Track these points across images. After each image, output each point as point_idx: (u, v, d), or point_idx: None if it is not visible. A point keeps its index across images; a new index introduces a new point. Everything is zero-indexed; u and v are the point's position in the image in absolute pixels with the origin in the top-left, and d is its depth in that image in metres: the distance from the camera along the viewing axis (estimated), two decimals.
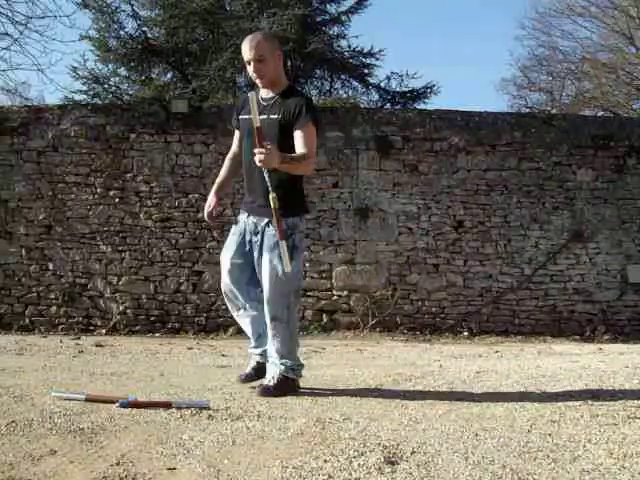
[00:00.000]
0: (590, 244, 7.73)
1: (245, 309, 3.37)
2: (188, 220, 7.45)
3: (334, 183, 7.64)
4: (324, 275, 7.55)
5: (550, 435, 2.45)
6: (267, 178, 3.07)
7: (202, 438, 2.34)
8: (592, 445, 2.32)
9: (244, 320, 3.42)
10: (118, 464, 2.04)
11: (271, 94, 3.25)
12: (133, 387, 3.35)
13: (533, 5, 32.22)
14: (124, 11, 10.88)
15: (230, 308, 3.46)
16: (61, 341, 6.18)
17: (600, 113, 15.31)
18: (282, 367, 3.21)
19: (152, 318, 7.42)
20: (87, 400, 2.89)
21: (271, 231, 3.15)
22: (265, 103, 3.24)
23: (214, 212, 3.45)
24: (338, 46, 11.50)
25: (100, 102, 9.75)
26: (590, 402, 3.10)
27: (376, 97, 11.48)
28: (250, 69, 3.22)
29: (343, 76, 11.48)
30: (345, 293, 7.55)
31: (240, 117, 3.34)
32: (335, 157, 7.64)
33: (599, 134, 7.80)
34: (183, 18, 10.54)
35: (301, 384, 3.39)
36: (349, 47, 11.47)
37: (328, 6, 11.66)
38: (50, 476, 1.94)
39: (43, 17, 10.05)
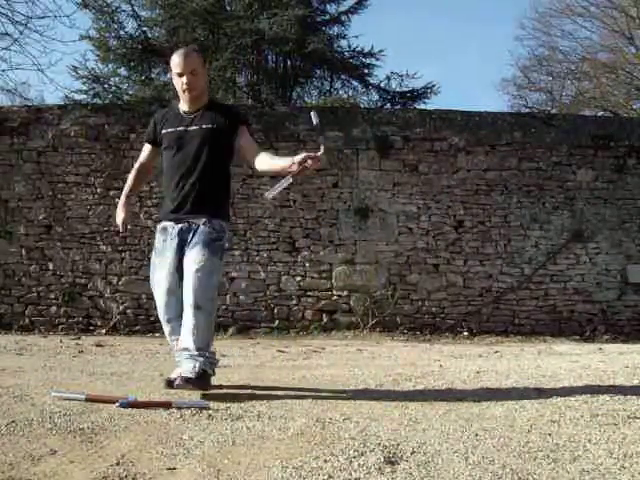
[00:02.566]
0: (590, 244, 7.73)
1: (178, 319, 3.25)
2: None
3: (334, 183, 7.64)
4: (324, 275, 7.55)
5: (550, 435, 2.45)
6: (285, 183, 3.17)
7: (202, 438, 2.34)
8: (592, 445, 2.32)
9: (177, 328, 3.25)
10: (118, 464, 2.04)
11: (194, 107, 3.35)
12: (133, 387, 3.34)
13: (533, 5, 32.23)
14: (124, 11, 10.89)
15: (162, 316, 3.33)
16: (61, 341, 6.17)
17: (600, 113, 15.31)
18: (202, 359, 3.08)
19: (152, 318, 7.41)
20: (87, 400, 2.89)
21: (206, 228, 3.21)
22: (192, 116, 3.34)
23: (127, 223, 3.51)
24: (338, 46, 11.52)
25: (100, 102, 9.75)
26: (590, 402, 3.10)
27: (376, 97, 11.50)
28: (181, 81, 3.31)
29: (343, 76, 11.50)
30: (345, 293, 7.55)
31: (164, 132, 3.38)
32: (335, 157, 7.64)
33: (599, 134, 7.81)
34: (183, 18, 10.54)
35: (301, 384, 3.38)
36: (349, 47, 11.49)
37: (328, 6, 11.68)
38: (50, 476, 1.94)
39: (43, 17, 10.08)
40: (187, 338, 3.09)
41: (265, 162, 3.25)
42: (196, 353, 3.06)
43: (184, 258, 3.21)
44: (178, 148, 3.32)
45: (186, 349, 3.09)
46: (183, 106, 3.39)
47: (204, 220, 3.23)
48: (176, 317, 3.25)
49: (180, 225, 3.27)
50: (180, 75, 3.31)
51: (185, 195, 3.29)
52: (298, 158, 3.09)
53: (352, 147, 7.67)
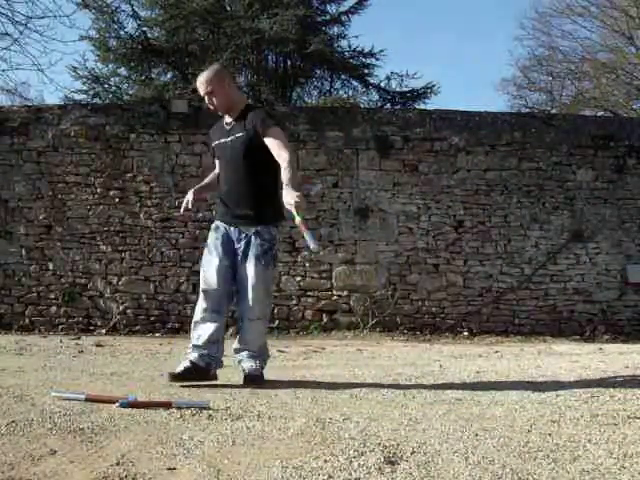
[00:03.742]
0: (590, 244, 7.73)
1: (218, 313, 3.52)
2: (188, 220, 7.45)
3: (334, 183, 7.64)
4: (324, 275, 7.55)
5: (550, 435, 2.45)
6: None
7: (202, 438, 2.34)
8: (592, 445, 2.32)
9: (210, 323, 3.50)
10: (118, 464, 2.04)
11: (231, 118, 3.63)
12: (133, 387, 3.35)
13: (533, 5, 32.23)
14: (124, 11, 10.90)
15: (202, 306, 3.52)
16: (61, 341, 6.18)
17: (600, 113, 15.32)
18: (260, 359, 3.56)
19: (152, 318, 7.42)
20: (87, 400, 2.89)
21: (258, 240, 3.49)
22: (229, 127, 3.63)
23: (190, 205, 3.74)
24: (338, 46, 11.53)
25: (100, 102, 9.76)
26: (590, 402, 3.10)
27: (376, 97, 11.51)
28: (207, 102, 3.63)
29: (343, 76, 11.50)
30: (345, 293, 7.55)
31: (213, 144, 3.74)
32: (335, 157, 7.64)
33: (599, 134, 7.81)
34: (183, 18, 10.55)
35: (301, 384, 3.45)
36: (349, 47, 11.50)
37: (328, 6, 11.69)
38: (50, 476, 1.94)
39: (43, 17, 10.12)
40: (251, 343, 3.55)
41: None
42: (257, 354, 3.54)
43: (240, 269, 3.51)
44: (223, 158, 3.65)
45: (249, 350, 3.54)
46: (226, 117, 3.68)
47: (254, 230, 3.52)
48: (212, 310, 3.51)
49: (232, 229, 3.57)
50: (204, 97, 3.62)
51: (234, 204, 3.58)
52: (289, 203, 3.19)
53: (352, 147, 7.66)
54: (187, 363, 3.46)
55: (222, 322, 3.56)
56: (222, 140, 3.63)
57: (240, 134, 3.53)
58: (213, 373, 3.50)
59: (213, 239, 3.61)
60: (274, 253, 3.59)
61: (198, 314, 3.54)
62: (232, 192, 3.58)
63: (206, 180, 3.92)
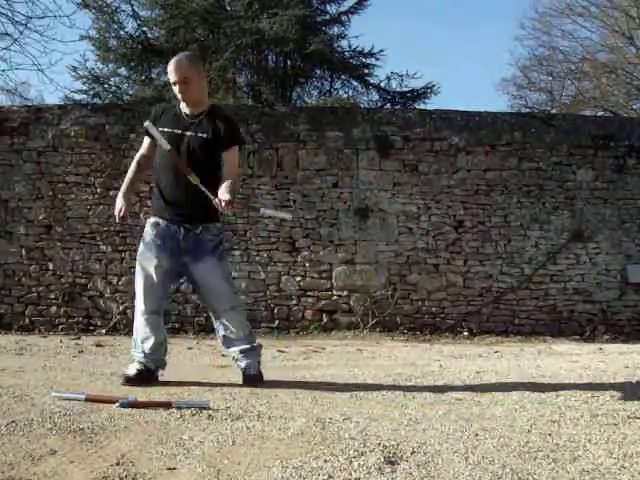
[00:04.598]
0: (590, 244, 7.73)
1: (157, 314, 3.52)
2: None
3: (334, 183, 7.64)
4: (324, 275, 7.55)
5: (550, 435, 2.45)
6: (205, 190, 3.29)
7: (202, 438, 2.34)
8: (592, 445, 2.32)
9: (152, 324, 3.50)
10: (118, 464, 2.04)
11: (196, 112, 3.42)
12: (133, 387, 3.34)
13: (533, 5, 32.22)
14: (124, 11, 10.91)
15: (142, 308, 3.49)
16: (61, 341, 6.17)
17: (600, 113, 15.31)
18: (255, 354, 3.58)
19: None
20: (87, 400, 2.89)
21: (207, 237, 3.42)
22: (191, 120, 3.42)
23: (126, 215, 3.53)
24: (338, 46, 11.53)
25: (100, 102, 9.76)
26: (590, 402, 3.10)
27: (376, 97, 11.51)
28: (175, 89, 3.40)
29: (343, 76, 11.50)
30: (345, 293, 7.55)
31: (160, 129, 3.43)
32: (335, 157, 7.64)
33: (599, 134, 7.80)
34: (183, 18, 10.55)
35: (301, 384, 3.46)
36: (349, 47, 11.49)
37: (328, 6, 11.69)
38: (50, 476, 1.94)
39: (43, 17, 10.12)
40: (236, 332, 3.51)
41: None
42: (252, 348, 3.55)
43: (193, 268, 3.43)
44: (175, 150, 3.37)
45: (236, 340, 3.52)
46: (184, 108, 3.45)
47: (200, 228, 3.41)
48: (151, 312, 3.49)
49: (175, 226, 3.40)
50: (173, 83, 3.40)
51: (179, 198, 3.39)
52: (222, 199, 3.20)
53: (352, 147, 7.66)
54: (139, 366, 3.48)
55: (162, 322, 3.59)
56: (177, 131, 3.40)
57: (204, 134, 3.37)
58: (157, 375, 3.56)
59: (152, 236, 3.46)
60: (224, 246, 3.59)
61: (139, 317, 3.51)
62: (179, 188, 3.38)
63: (129, 177, 3.63)
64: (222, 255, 3.51)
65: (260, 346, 3.66)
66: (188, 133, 3.39)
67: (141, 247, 3.52)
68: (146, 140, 3.60)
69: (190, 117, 3.42)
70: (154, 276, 3.43)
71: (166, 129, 3.42)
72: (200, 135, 3.37)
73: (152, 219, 3.51)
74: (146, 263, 3.45)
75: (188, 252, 3.42)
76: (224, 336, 3.55)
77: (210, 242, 3.42)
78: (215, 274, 3.43)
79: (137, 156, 3.66)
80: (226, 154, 3.38)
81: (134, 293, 3.59)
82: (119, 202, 3.52)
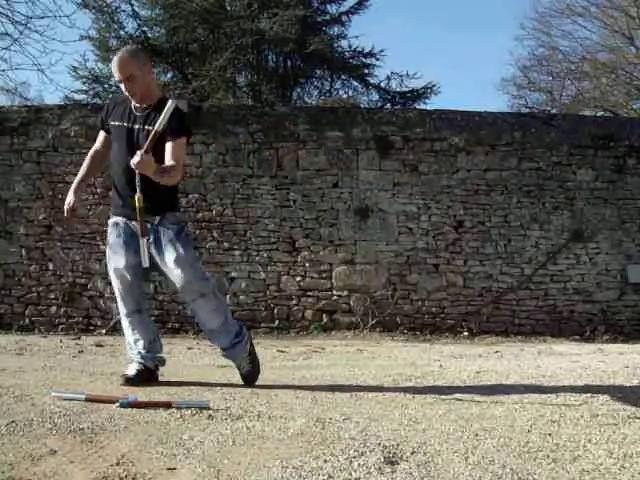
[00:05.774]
0: (590, 244, 7.73)
1: (140, 312, 3.47)
2: (188, 220, 7.44)
3: (334, 183, 7.64)
4: (324, 275, 7.55)
5: (550, 435, 2.45)
6: (137, 181, 3.20)
7: (202, 438, 2.34)
8: (592, 445, 2.32)
9: (138, 324, 3.47)
10: (118, 464, 2.04)
11: (144, 105, 3.38)
12: (133, 387, 3.34)
13: (533, 5, 32.22)
14: (124, 11, 10.91)
15: (125, 310, 3.47)
16: (61, 341, 6.17)
17: (600, 113, 15.31)
18: (246, 345, 3.44)
19: (152, 318, 7.41)
20: (87, 400, 2.89)
21: (166, 226, 3.35)
22: (139, 113, 3.37)
23: (76, 210, 3.52)
24: (338, 46, 11.54)
25: (100, 102, 9.75)
26: (590, 402, 3.10)
27: (376, 97, 11.52)
28: (122, 87, 3.37)
29: (343, 76, 11.50)
30: (345, 293, 7.55)
31: (111, 123, 3.44)
32: (335, 157, 7.64)
33: (599, 134, 7.81)
34: (183, 18, 10.55)
35: (301, 384, 3.43)
36: (349, 47, 11.49)
37: (328, 6, 11.69)
38: (50, 476, 1.94)
39: (43, 17, 10.13)
40: (208, 322, 3.42)
41: None
42: (231, 345, 3.41)
43: (159, 260, 3.35)
44: (122, 142, 3.37)
45: (221, 343, 3.42)
46: (134, 102, 3.41)
47: (158, 219, 3.36)
48: (133, 311, 3.44)
49: (133, 222, 3.35)
50: (119, 81, 3.38)
51: (132, 192, 3.30)
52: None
53: (352, 147, 7.66)
54: (138, 366, 3.44)
55: (148, 318, 3.57)
56: (125, 124, 3.37)
57: (150, 127, 3.25)
58: (157, 374, 3.54)
59: (114, 237, 3.44)
60: (187, 233, 3.49)
61: (124, 320, 3.49)
62: (132, 181, 3.27)
63: (81, 172, 3.57)
64: (186, 242, 3.39)
65: (243, 333, 3.48)
66: (136, 126, 3.35)
67: (107, 250, 3.52)
68: (101, 134, 3.59)
69: (138, 110, 3.38)
70: (127, 276, 3.40)
71: (116, 123, 3.41)
72: (147, 128, 3.30)
73: (111, 219, 3.50)
74: (115, 265, 3.43)
75: (151, 244, 3.35)
76: (203, 330, 3.51)
77: (170, 230, 3.35)
78: (179, 263, 3.31)
79: (91, 151, 3.63)
80: (169, 144, 3.26)
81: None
82: (69, 197, 3.49)
